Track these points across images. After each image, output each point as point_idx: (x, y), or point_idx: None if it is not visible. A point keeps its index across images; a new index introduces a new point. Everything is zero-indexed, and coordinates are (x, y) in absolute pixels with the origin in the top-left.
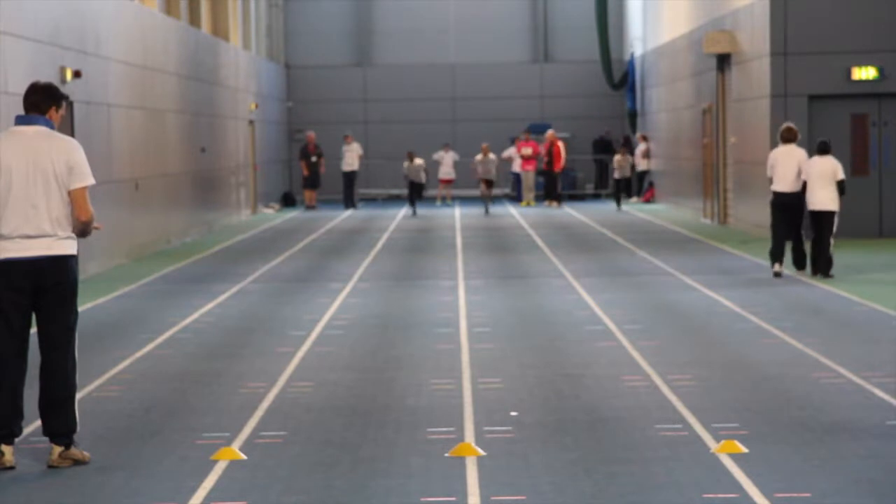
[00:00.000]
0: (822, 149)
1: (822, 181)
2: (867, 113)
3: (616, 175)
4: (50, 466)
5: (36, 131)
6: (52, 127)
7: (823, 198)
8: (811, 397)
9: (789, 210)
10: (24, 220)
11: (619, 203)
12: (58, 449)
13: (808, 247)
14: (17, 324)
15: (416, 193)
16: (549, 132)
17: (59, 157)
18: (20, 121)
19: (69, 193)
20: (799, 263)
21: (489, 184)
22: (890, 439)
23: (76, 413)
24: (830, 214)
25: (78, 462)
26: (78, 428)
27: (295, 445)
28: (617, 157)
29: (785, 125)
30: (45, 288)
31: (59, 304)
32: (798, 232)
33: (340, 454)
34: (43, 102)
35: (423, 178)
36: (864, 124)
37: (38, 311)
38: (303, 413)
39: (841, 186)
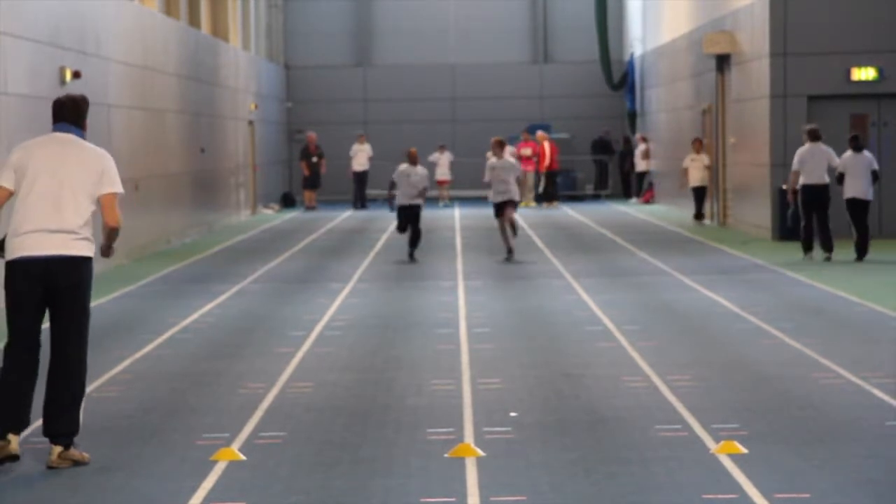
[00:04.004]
0: (857, 146)
1: (859, 172)
2: (867, 113)
3: (693, 182)
4: (49, 467)
5: (68, 138)
6: (84, 137)
7: (863, 188)
8: (811, 398)
9: (818, 200)
10: (43, 219)
11: (700, 217)
12: (57, 449)
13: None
14: (29, 321)
15: (410, 222)
16: (539, 133)
17: (90, 163)
18: (56, 129)
19: (99, 199)
20: (826, 246)
21: (510, 207)
22: (889, 440)
23: (80, 415)
24: (867, 203)
25: (77, 463)
26: (79, 430)
27: (295, 446)
28: (687, 159)
29: (811, 126)
30: (57, 288)
31: (71, 306)
32: (826, 220)
33: (340, 454)
34: (77, 114)
35: (418, 195)
36: (864, 125)
37: (51, 310)
38: (303, 413)
39: (875, 175)
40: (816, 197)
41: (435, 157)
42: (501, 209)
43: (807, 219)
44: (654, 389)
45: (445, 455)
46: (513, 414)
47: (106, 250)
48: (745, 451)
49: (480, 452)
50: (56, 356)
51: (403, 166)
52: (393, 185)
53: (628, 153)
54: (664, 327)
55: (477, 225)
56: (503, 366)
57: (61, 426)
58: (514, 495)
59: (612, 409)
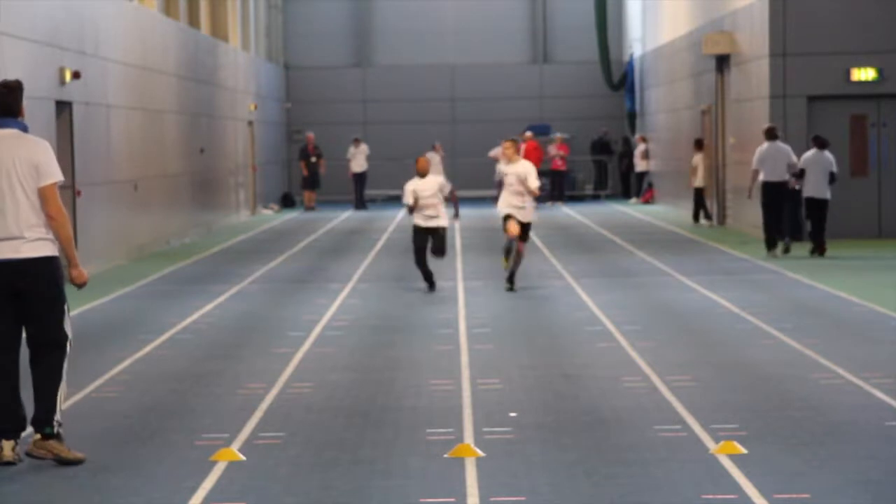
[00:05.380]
0: (822, 143)
1: (818, 172)
2: (866, 114)
3: (696, 182)
4: (27, 454)
5: (4, 135)
6: (25, 128)
7: (821, 188)
8: (810, 398)
9: (778, 197)
10: None
11: (697, 218)
12: (35, 437)
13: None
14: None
15: (436, 245)
16: (528, 133)
17: (24, 158)
18: None
19: (39, 192)
20: (784, 243)
21: (522, 231)
22: (889, 440)
23: (56, 404)
24: (826, 202)
25: (62, 458)
26: (57, 413)
27: (294, 446)
28: (695, 158)
29: (769, 125)
30: (20, 291)
31: (40, 306)
32: (783, 216)
33: (340, 455)
34: (14, 103)
35: (441, 212)
36: (863, 125)
37: (21, 313)
38: (302, 414)
39: (832, 177)
40: (776, 194)
41: (430, 155)
42: (515, 224)
43: (767, 216)
44: (653, 390)
45: (445, 455)
46: (512, 414)
47: (73, 272)
48: (744, 451)
49: (480, 453)
50: (34, 356)
51: (417, 182)
52: (412, 210)
53: (626, 154)
54: (664, 327)
55: (477, 225)
56: (503, 366)
57: (37, 412)
58: (514, 496)
59: (611, 410)
